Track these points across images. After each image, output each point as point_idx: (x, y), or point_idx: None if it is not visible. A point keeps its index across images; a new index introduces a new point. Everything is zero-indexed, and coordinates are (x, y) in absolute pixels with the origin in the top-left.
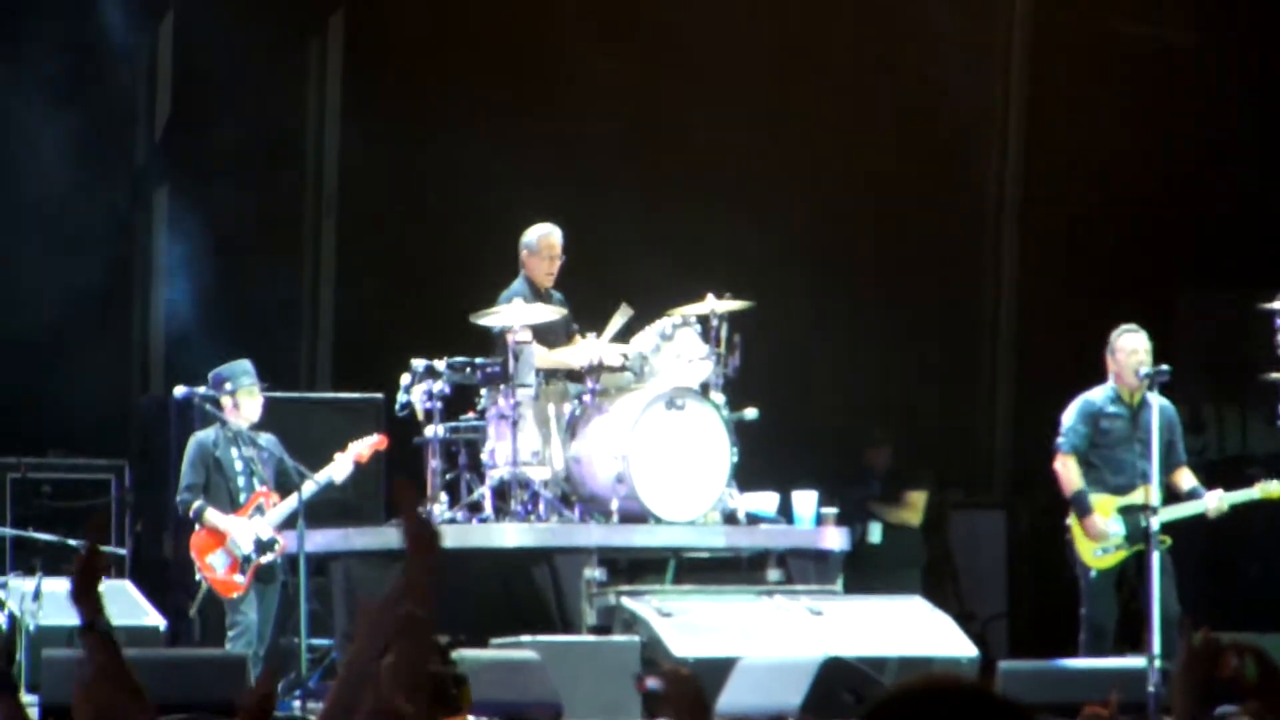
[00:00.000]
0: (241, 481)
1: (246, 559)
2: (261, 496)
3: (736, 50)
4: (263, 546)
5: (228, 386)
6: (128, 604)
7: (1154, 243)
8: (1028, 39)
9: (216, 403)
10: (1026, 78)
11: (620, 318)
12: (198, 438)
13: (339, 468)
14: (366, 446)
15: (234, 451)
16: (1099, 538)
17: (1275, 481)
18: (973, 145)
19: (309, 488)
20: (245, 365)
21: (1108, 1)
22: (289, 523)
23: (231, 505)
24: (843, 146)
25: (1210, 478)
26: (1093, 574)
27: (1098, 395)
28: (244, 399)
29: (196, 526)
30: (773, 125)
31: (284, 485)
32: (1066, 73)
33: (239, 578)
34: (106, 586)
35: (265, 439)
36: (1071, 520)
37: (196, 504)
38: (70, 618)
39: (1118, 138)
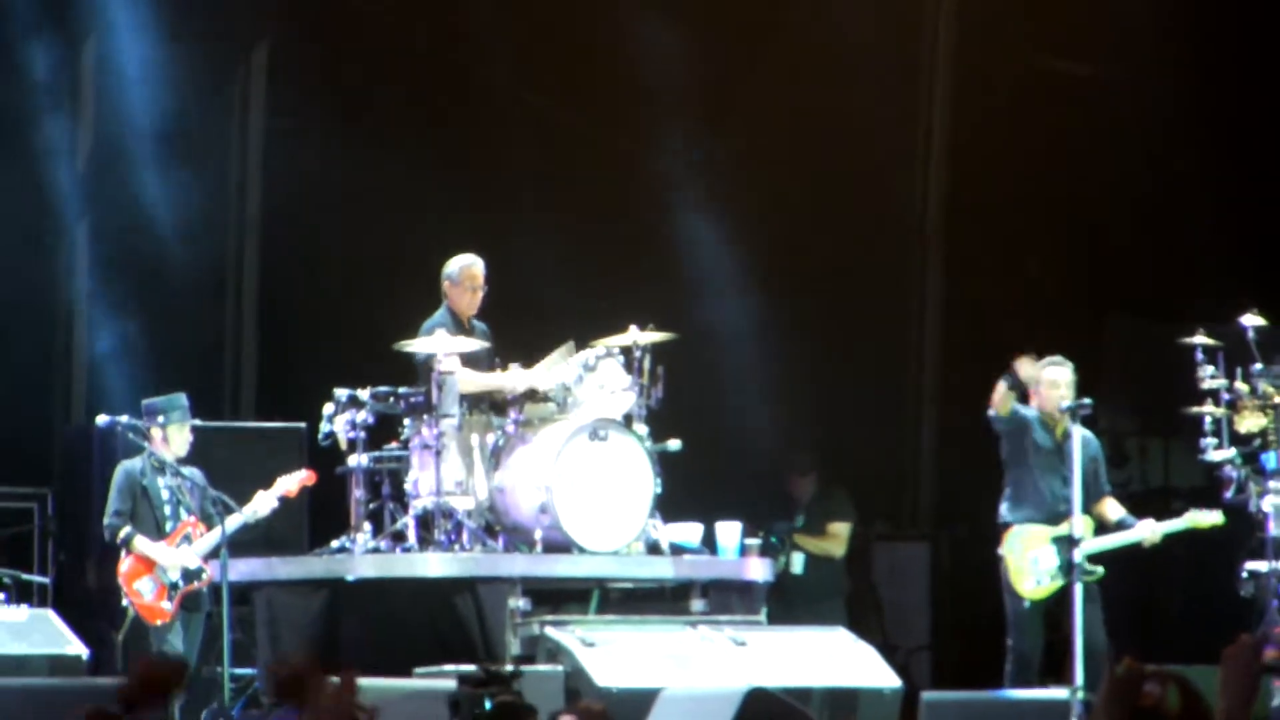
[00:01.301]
0: (168, 510)
1: (174, 586)
2: (189, 526)
3: (660, 79)
4: (190, 575)
5: (160, 419)
6: (50, 633)
7: (1078, 275)
8: (951, 69)
9: (142, 432)
10: (950, 108)
11: (562, 353)
12: (125, 466)
13: (265, 502)
14: (295, 482)
15: (160, 481)
16: (1001, 401)
17: (1205, 511)
18: (897, 177)
19: (234, 520)
20: (180, 399)
21: (1028, 35)
22: (214, 552)
23: (158, 533)
24: (766, 178)
25: (1134, 510)
26: (1025, 604)
27: (1028, 412)
28: (174, 432)
29: (124, 553)
30: (693, 154)
31: (208, 517)
32: (989, 104)
33: (166, 604)
34: (29, 615)
35: (190, 472)
36: (1004, 550)
37: (125, 530)
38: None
39: (1042, 170)
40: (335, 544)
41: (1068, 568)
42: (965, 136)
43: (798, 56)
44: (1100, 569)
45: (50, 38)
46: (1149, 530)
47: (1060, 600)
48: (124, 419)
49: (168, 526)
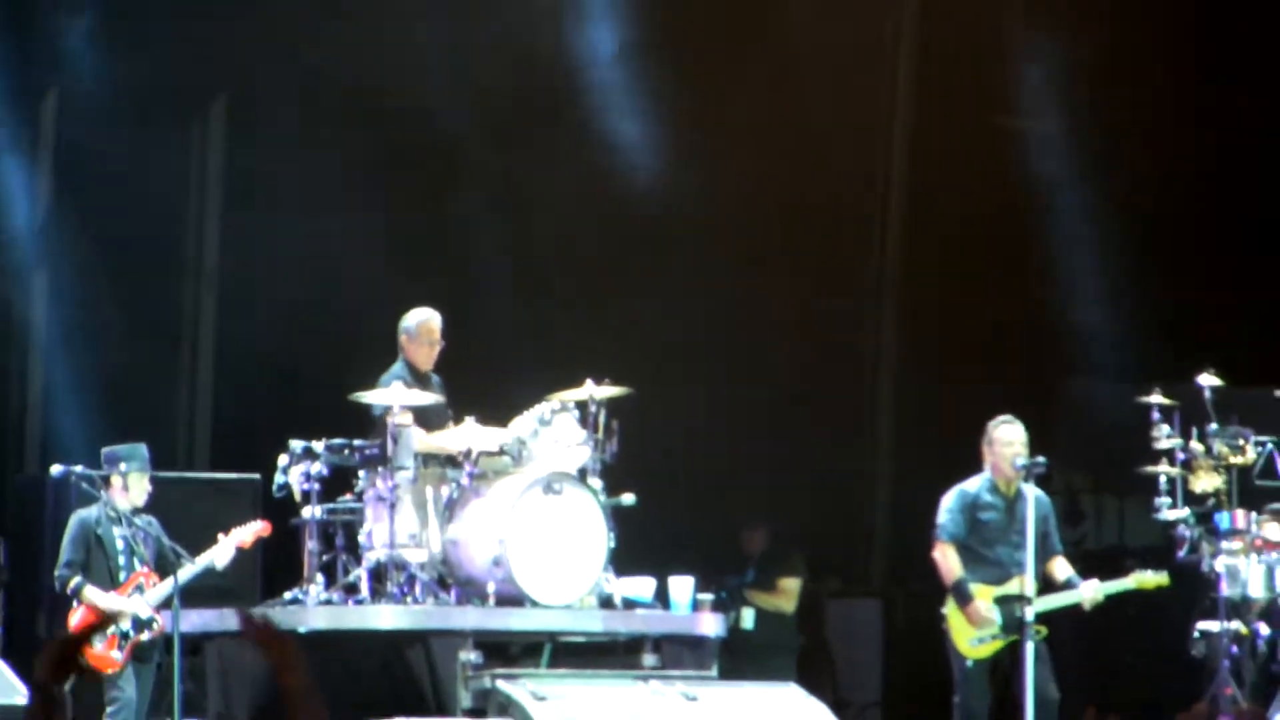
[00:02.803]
0: (122, 560)
1: (125, 635)
2: (141, 576)
3: (627, 139)
4: (141, 625)
5: (122, 467)
6: (0, 682)
7: (1032, 333)
8: (908, 127)
9: (97, 481)
10: (907, 164)
11: (544, 409)
12: (80, 515)
13: (220, 553)
14: (250, 533)
15: (115, 530)
16: (981, 624)
17: (1149, 572)
18: (852, 232)
19: (188, 570)
20: (141, 449)
21: (983, 95)
22: (166, 603)
23: (111, 583)
24: (722, 231)
25: (1088, 568)
26: (968, 663)
27: (974, 485)
28: (134, 481)
29: (75, 603)
30: (652, 210)
31: (163, 566)
32: (945, 161)
33: (116, 654)
34: None
35: (144, 520)
36: (948, 609)
37: (75, 580)
38: None
39: (996, 228)
40: (288, 595)
41: (1008, 626)
42: (922, 194)
43: (759, 106)
44: (1044, 629)
45: (11, 86)
46: (1090, 590)
47: (1010, 657)
48: (78, 469)
49: (121, 576)
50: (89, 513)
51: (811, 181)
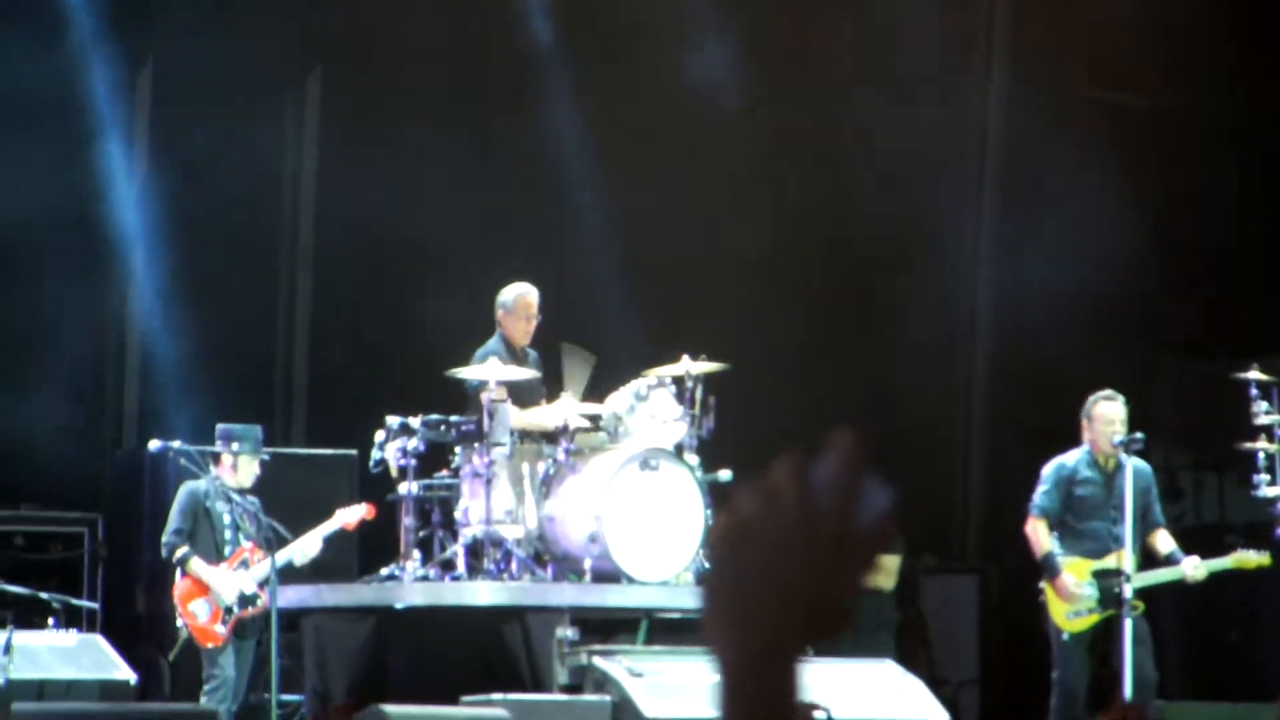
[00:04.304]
0: (228, 535)
1: (229, 610)
2: (246, 551)
3: (710, 113)
4: (245, 600)
5: (234, 446)
6: (99, 658)
7: (1133, 308)
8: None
9: (197, 457)
10: (1003, 130)
11: (585, 367)
12: (189, 486)
13: (310, 543)
14: (354, 515)
15: (222, 505)
16: (1070, 599)
17: (1251, 552)
18: (948, 210)
19: (284, 552)
20: (256, 431)
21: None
22: (264, 580)
23: (217, 556)
24: (818, 210)
25: (1188, 545)
26: (1064, 637)
27: (1072, 459)
28: (244, 462)
29: (179, 574)
30: (749, 184)
31: (266, 544)
32: (1041, 132)
33: (220, 628)
34: (78, 640)
35: (250, 499)
36: (1044, 583)
37: (183, 549)
38: (41, 671)
39: (1090, 202)
40: (384, 571)
41: (1105, 601)
42: (1015, 164)
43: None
44: (1141, 604)
45: (110, 57)
46: (1193, 567)
47: (1108, 633)
48: (176, 444)
49: (226, 550)
50: (198, 485)
51: (906, 134)
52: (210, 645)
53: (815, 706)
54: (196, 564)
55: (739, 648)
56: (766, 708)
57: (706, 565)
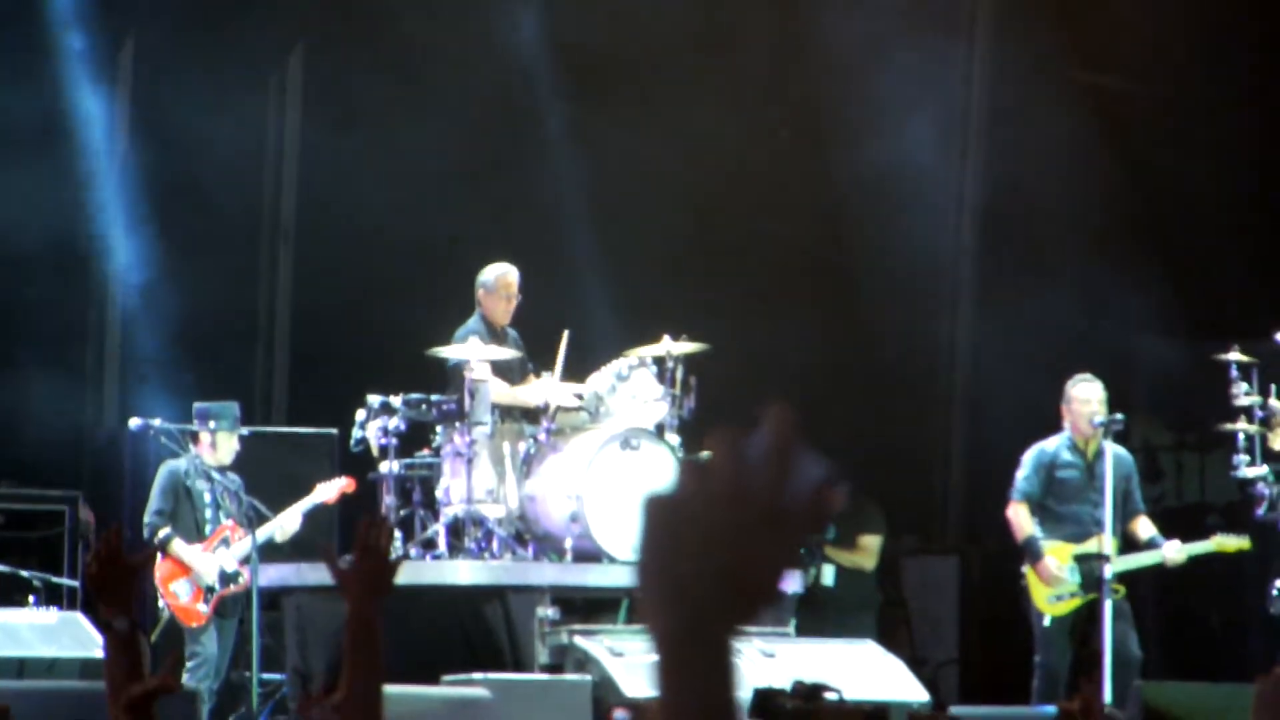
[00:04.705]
0: (209, 514)
1: (210, 589)
2: (227, 529)
3: (702, 98)
4: (226, 579)
5: (211, 424)
6: (80, 635)
7: (1111, 291)
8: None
9: (178, 436)
10: (987, 113)
11: (563, 347)
12: (170, 465)
13: (290, 519)
14: (334, 489)
15: (203, 484)
16: (1052, 582)
17: (1231, 535)
18: (929, 197)
19: (265, 529)
20: (233, 408)
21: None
22: (245, 558)
23: (198, 535)
24: (802, 195)
25: (1169, 525)
26: (1046, 620)
27: (1052, 444)
28: (223, 439)
29: (160, 555)
30: (736, 168)
31: (247, 522)
32: (1025, 121)
33: (202, 607)
34: (59, 618)
35: (230, 477)
36: (1026, 567)
37: (164, 531)
38: (22, 649)
39: (1074, 188)
40: None
41: (1087, 584)
42: (1001, 151)
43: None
44: (1122, 588)
45: (90, 38)
46: (1173, 551)
47: (1090, 616)
48: (156, 423)
49: (207, 529)
50: (178, 464)
51: (892, 147)
52: (193, 625)
53: (826, 688)
54: (178, 545)
55: (671, 624)
56: (701, 684)
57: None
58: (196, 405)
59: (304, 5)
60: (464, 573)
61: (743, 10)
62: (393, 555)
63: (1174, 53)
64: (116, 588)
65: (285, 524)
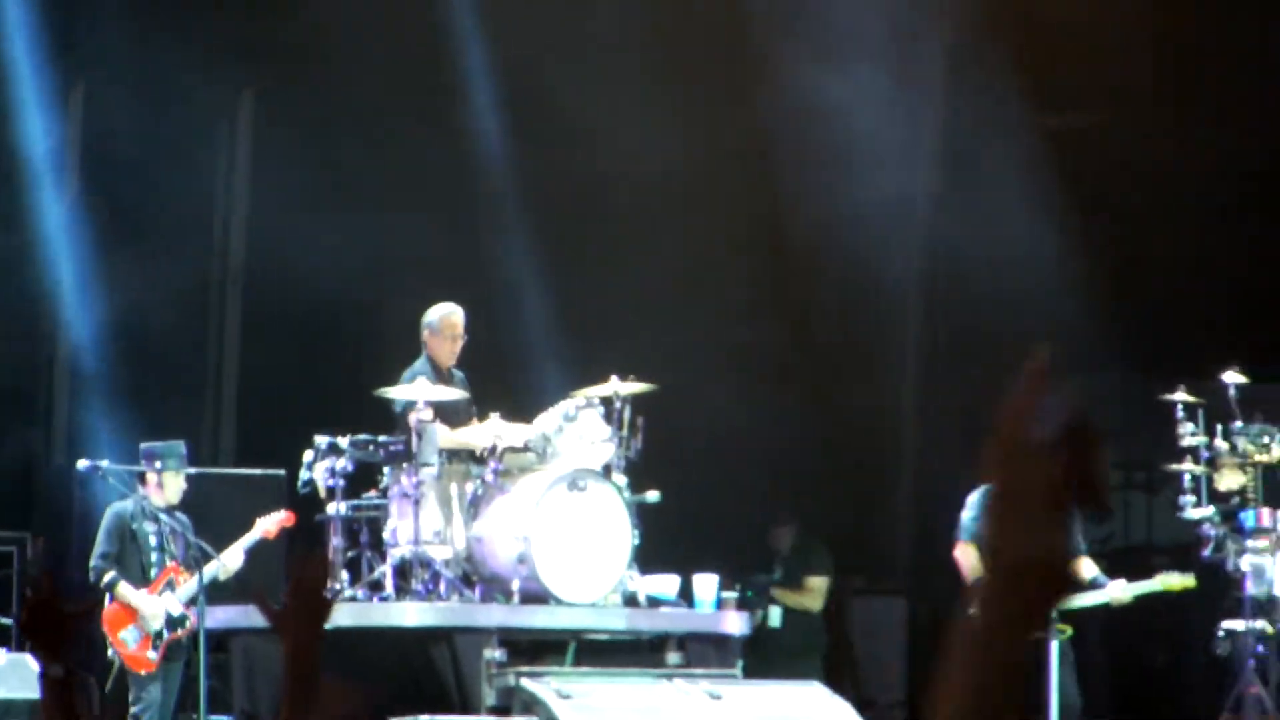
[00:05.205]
0: (154, 556)
1: (158, 635)
2: (172, 572)
3: (650, 133)
4: (174, 622)
5: (158, 464)
6: (28, 676)
7: (1058, 330)
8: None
9: (126, 477)
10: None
11: (569, 405)
12: (115, 508)
13: (231, 558)
14: (274, 523)
15: (149, 525)
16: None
17: (1175, 574)
18: (885, 248)
19: (210, 567)
20: (179, 447)
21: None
22: (192, 600)
23: (143, 578)
24: (753, 234)
25: (1116, 566)
26: None
27: None
28: (169, 479)
29: (108, 599)
30: (686, 206)
31: (193, 563)
32: (978, 166)
33: (151, 654)
34: (7, 659)
35: (178, 517)
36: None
37: (110, 574)
38: None
39: (1021, 230)
40: None
41: None
42: (953, 196)
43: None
44: (1069, 628)
45: (41, 82)
46: (1119, 591)
47: (1034, 658)
48: (104, 463)
49: (152, 572)
50: (124, 505)
51: (845, 191)
52: (143, 672)
53: None
54: (124, 588)
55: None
56: (1008, 675)
57: (985, 530)
58: (143, 445)
59: (255, 51)
60: (411, 614)
61: (694, 65)
62: (328, 590)
63: (1133, 88)
64: (50, 635)
65: (228, 562)
